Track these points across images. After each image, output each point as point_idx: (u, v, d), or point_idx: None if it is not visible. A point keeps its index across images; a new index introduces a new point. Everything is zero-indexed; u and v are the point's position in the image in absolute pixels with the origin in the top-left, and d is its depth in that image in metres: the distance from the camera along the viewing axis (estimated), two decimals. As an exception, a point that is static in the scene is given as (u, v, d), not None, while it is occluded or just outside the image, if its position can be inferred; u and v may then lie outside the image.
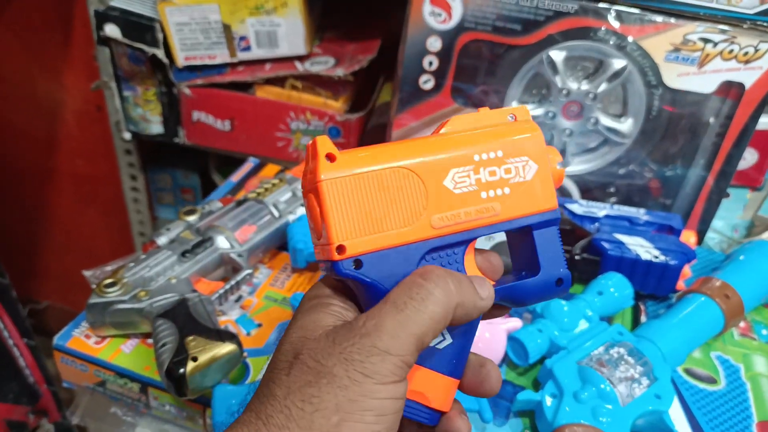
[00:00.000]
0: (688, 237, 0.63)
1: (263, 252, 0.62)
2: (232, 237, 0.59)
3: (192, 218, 0.62)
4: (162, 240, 0.60)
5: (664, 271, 0.58)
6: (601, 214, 0.64)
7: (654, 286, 0.60)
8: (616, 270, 0.58)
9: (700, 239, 0.74)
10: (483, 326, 0.50)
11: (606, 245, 0.59)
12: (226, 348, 0.47)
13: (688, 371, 0.55)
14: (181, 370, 0.45)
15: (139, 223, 1.12)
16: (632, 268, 0.59)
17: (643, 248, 0.59)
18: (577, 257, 0.60)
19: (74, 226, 1.27)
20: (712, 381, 0.54)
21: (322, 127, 0.85)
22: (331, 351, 0.28)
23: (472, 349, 0.43)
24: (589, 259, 0.60)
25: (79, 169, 1.16)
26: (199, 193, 1.15)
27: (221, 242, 0.59)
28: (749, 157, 0.80)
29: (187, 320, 0.49)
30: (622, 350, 0.49)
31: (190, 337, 0.47)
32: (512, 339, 0.51)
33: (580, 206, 0.65)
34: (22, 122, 1.14)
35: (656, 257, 0.58)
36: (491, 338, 0.50)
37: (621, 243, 0.60)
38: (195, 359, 0.46)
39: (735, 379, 0.55)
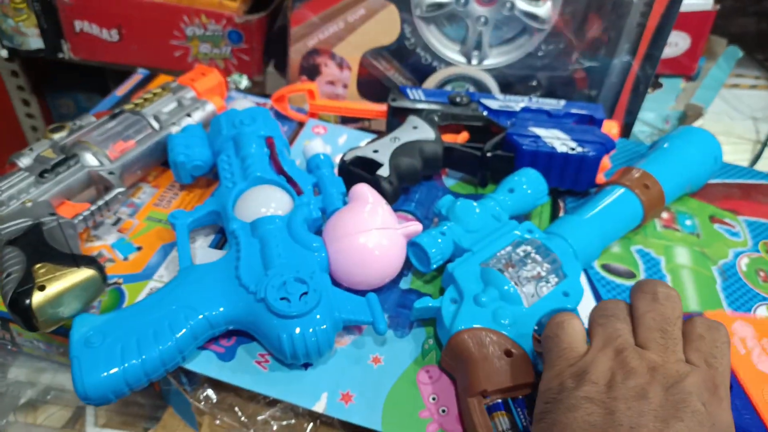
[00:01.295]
0: (610, 128, 0.59)
1: (142, 169, 0.55)
2: (102, 153, 0.52)
3: (58, 135, 0.55)
4: (24, 161, 0.53)
5: (581, 164, 0.54)
6: (518, 107, 0.59)
7: (572, 181, 0.56)
8: (531, 166, 0.54)
9: (628, 131, 0.70)
10: (379, 233, 0.45)
11: (519, 140, 0.54)
12: (82, 274, 0.41)
13: (605, 267, 0.52)
14: (27, 302, 0.39)
15: (27, 116, 1.02)
16: (548, 162, 0.54)
17: (559, 141, 0.55)
18: (489, 155, 0.55)
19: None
20: (631, 275, 0.51)
21: (221, 31, 0.76)
22: None
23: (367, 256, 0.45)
24: (502, 156, 0.55)
25: (-34, 98, 1.05)
26: (107, 119, 1.06)
27: (89, 159, 0.52)
28: (681, 43, 0.75)
29: (38, 246, 0.43)
30: (528, 248, 0.45)
31: (39, 265, 0.41)
32: (413, 244, 0.47)
33: (496, 101, 0.60)
34: None
35: (572, 149, 0.54)
36: (389, 244, 0.45)
37: (536, 137, 0.55)
38: (42, 288, 0.40)
39: (655, 272, 0.52)
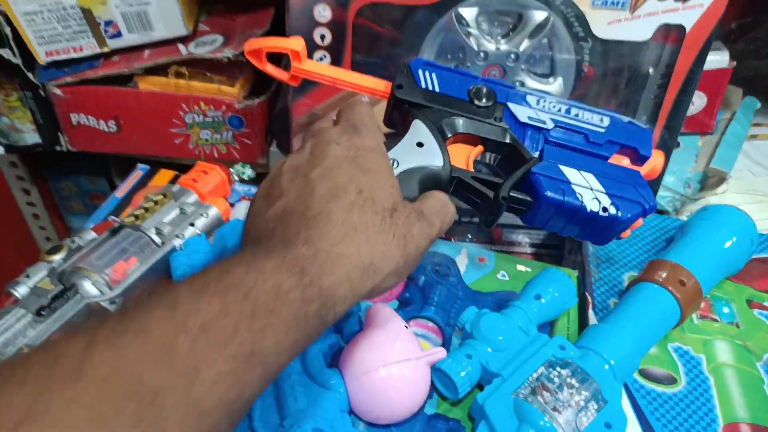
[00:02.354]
0: (656, 158, 0.50)
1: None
2: (101, 281, 0.49)
3: (57, 258, 0.52)
4: (21, 290, 0.51)
5: (610, 225, 0.45)
6: (551, 123, 0.48)
7: (593, 236, 0.46)
8: (549, 215, 0.45)
9: (651, 202, 0.66)
10: (401, 365, 0.42)
11: (544, 183, 0.44)
12: None
13: (643, 372, 0.48)
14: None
15: (46, 239, 1.00)
16: (572, 216, 0.45)
17: (591, 193, 0.44)
18: (503, 197, 0.44)
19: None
20: (672, 381, 0.48)
21: (221, 117, 0.74)
22: None
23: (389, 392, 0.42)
24: (519, 199, 0.45)
25: (-36, 188, 1.03)
26: (109, 197, 1.04)
27: (88, 288, 0.49)
28: (697, 102, 0.72)
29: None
30: (563, 372, 0.42)
31: None
32: (437, 371, 0.44)
33: (526, 108, 0.49)
34: None
35: (604, 210, 0.44)
36: (412, 376, 0.42)
37: (565, 182, 0.44)
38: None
39: (697, 374, 0.48)
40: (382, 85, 0.49)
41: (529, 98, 0.49)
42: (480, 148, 0.49)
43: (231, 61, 0.70)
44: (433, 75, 0.48)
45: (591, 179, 0.45)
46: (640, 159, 0.49)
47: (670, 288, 0.48)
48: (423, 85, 0.47)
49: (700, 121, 0.73)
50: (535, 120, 0.48)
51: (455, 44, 0.58)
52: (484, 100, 0.48)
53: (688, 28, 0.55)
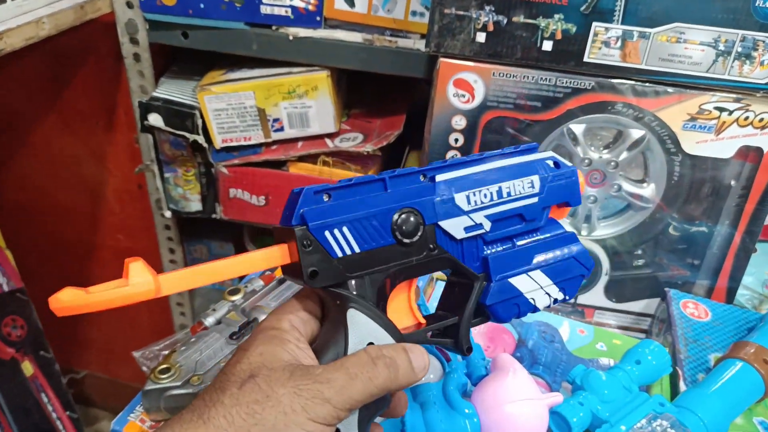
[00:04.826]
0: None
1: (305, 330, 0.64)
2: (276, 317, 0.62)
3: (236, 298, 0.65)
4: (209, 321, 0.63)
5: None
6: (488, 224, 0.42)
7: None
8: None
9: (731, 296, 0.74)
10: (524, 403, 0.51)
11: (501, 309, 0.43)
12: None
13: (731, 438, 0.55)
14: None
15: (177, 294, 1.16)
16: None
17: (541, 291, 0.44)
18: (467, 349, 0.42)
19: (113, 297, 1.32)
20: (757, 448, 0.54)
21: (353, 199, 0.88)
22: (285, 383, 0.34)
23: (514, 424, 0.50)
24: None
25: (120, 244, 1.21)
26: (233, 262, 1.19)
27: (266, 323, 0.61)
28: (774, 213, 0.81)
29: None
30: (664, 423, 0.50)
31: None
32: (554, 413, 0.52)
33: (461, 218, 0.41)
34: (67, 200, 1.20)
35: (555, 301, 0.45)
36: (533, 414, 0.51)
37: (518, 295, 0.43)
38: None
39: (780, 445, 0.55)
40: (274, 258, 0.37)
41: (458, 199, 0.41)
42: (414, 284, 0.43)
43: (368, 154, 0.86)
44: (345, 231, 0.37)
45: (538, 277, 0.44)
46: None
47: (755, 365, 0.56)
48: (339, 253, 0.37)
49: (776, 230, 0.82)
50: (472, 229, 0.41)
51: (564, 151, 0.71)
52: (412, 235, 0.39)
53: (765, 150, 0.66)
